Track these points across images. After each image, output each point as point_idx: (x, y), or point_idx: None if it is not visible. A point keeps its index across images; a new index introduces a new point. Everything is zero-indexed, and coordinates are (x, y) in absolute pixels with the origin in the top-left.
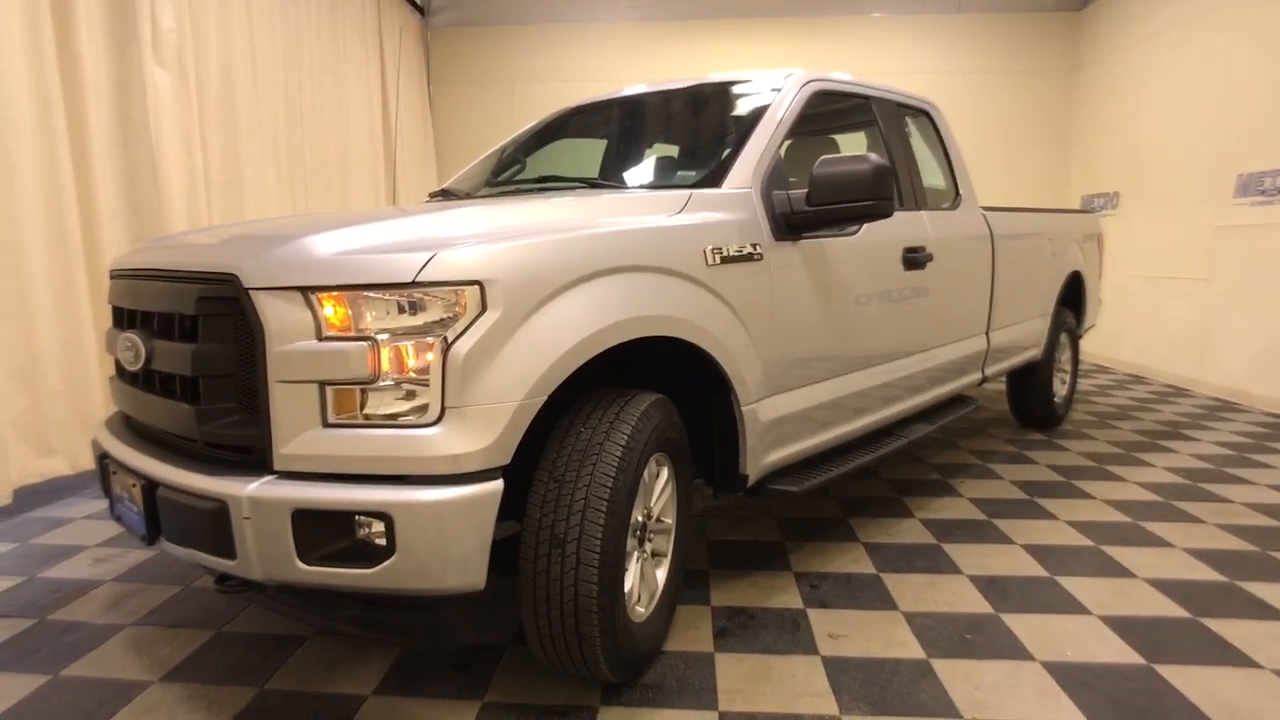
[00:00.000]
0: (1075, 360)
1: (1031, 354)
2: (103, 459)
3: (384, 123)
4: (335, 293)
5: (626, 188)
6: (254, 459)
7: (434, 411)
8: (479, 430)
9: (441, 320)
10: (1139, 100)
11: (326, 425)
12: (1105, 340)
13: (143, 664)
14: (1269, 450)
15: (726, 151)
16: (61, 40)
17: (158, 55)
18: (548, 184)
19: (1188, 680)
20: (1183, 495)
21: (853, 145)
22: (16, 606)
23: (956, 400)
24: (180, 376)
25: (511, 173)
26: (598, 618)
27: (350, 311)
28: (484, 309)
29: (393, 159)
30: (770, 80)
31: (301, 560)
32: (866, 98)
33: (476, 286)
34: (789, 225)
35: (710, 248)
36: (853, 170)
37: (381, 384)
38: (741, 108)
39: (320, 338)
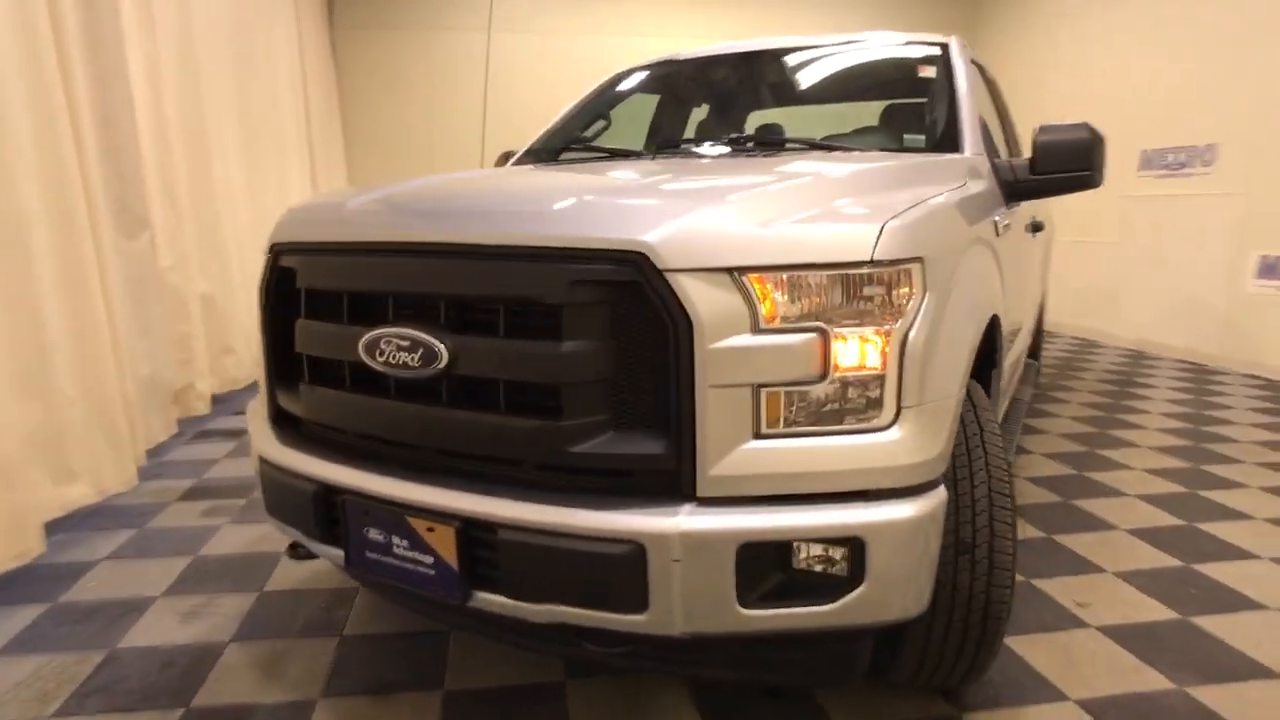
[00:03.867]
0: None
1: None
2: (328, 494)
3: (303, 74)
4: (773, 274)
5: (863, 150)
6: (645, 484)
7: (889, 413)
8: (933, 432)
9: (892, 304)
10: (1044, 80)
11: (758, 436)
12: None
13: None
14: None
15: (943, 117)
16: None
17: None
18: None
19: None
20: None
21: None
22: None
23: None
24: (519, 384)
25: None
26: (1004, 624)
27: (792, 297)
28: (925, 290)
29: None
30: (925, 46)
31: (741, 604)
32: (981, 65)
33: (919, 263)
34: (1010, 193)
35: (997, 216)
36: (1074, 139)
37: (829, 383)
38: (926, 71)
39: (756, 330)
